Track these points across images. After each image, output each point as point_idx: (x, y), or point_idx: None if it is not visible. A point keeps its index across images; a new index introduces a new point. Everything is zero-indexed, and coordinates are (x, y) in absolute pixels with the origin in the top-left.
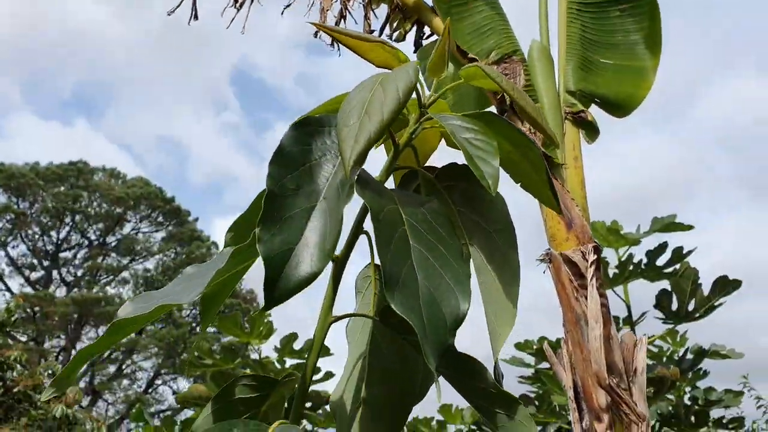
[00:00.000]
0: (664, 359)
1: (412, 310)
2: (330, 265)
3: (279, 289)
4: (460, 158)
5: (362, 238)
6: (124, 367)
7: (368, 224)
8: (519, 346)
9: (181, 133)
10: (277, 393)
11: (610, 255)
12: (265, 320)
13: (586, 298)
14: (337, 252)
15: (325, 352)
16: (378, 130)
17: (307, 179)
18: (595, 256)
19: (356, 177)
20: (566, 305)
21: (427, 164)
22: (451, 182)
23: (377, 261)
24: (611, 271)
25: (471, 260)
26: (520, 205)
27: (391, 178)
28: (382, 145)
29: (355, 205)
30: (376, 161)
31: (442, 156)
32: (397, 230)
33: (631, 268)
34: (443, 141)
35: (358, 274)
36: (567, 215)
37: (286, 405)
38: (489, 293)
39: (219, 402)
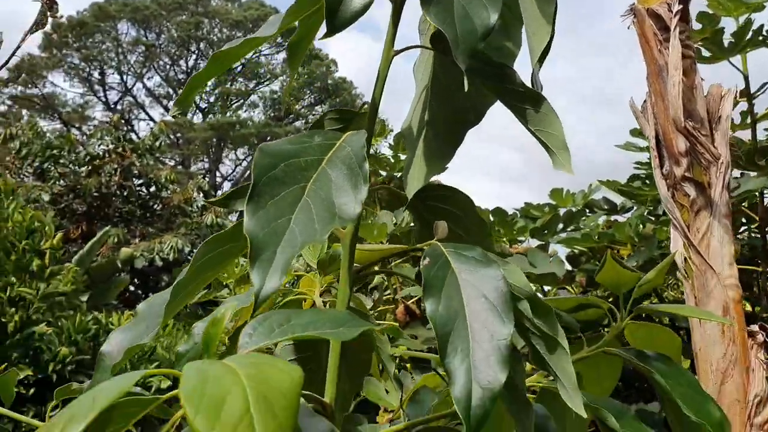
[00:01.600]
0: None
1: (445, 21)
2: (390, 6)
3: (339, 19)
4: None
5: None
6: None
7: None
8: (634, 133)
9: None
10: (356, 123)
11: (729, 24)
12: (377, 118)
13: (669, 49)
14: None
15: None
16: None
17: None
18: (681, 6)
19: None
20: (649, 58)
21: None
22: None
23: None
24: (726, 40)
25: None
26: None
27: None
28: None
29: None
30: None
31: None
32: None
33: (750, 35)
34: None
35: (420, 17)
36: None
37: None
38: (527, 16)
39: (314, 128)
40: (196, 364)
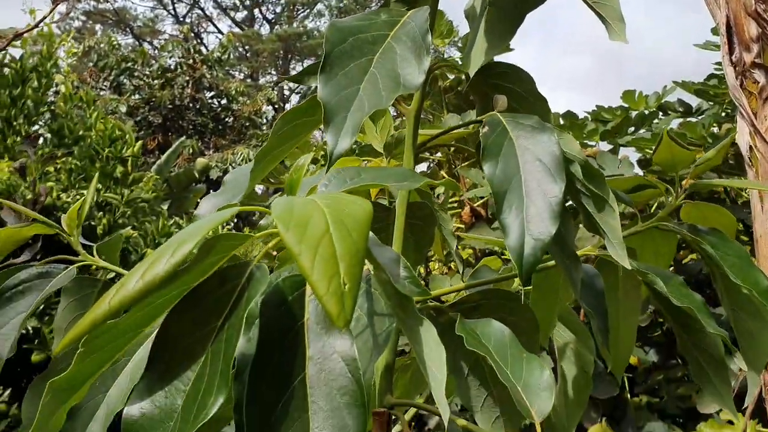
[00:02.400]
0: None
1: None
2: None
3: None
4: None
5: None
6: None
7: None
8: (714, 31)
9: None
10: (420, 2)
11: None
12: (445, 19)
13: None
14: None
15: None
16: None
17: None
18: None
19: None
20: None
21: None
22: None
23: None
24: None
25: None
26: None
27: None
28: None
29: None
30: None
31: None
32: None
33: None
34: None
35: None
36: None
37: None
38: None
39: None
40: (283, 198)
